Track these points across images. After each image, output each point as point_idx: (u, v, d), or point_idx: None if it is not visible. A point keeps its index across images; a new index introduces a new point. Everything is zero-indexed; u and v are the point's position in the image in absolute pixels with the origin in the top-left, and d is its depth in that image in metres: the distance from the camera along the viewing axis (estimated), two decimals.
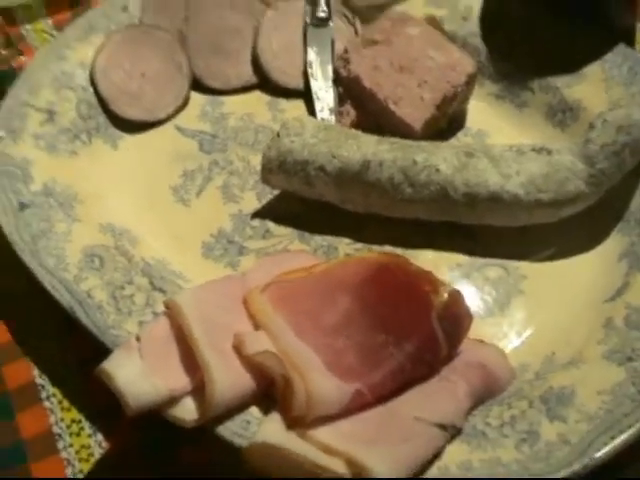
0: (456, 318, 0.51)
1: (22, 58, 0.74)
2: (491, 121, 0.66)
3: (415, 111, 0.63)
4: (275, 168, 0.60)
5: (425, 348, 0.50)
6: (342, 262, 0.57)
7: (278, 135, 0.60)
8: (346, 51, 0.67)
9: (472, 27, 0.69)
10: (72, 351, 0.57)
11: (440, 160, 0.58)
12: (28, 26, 0.78)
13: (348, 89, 0.66)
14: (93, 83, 0.68)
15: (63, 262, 0.57)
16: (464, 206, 0.57)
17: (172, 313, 0.52)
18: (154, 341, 0.51)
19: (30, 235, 0.58)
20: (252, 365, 0.50)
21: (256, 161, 0.65)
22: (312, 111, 0.67)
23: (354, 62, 0.66)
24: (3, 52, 0.73)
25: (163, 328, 0.51)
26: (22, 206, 0.60)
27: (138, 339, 0.50)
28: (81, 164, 0.65)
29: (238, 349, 0.50)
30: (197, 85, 0.70)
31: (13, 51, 0.74)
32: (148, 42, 0.70)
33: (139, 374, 0.48)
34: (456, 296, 0.51)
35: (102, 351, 0.52)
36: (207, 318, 0.51)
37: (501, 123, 0.66)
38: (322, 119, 0.66)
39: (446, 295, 0.50)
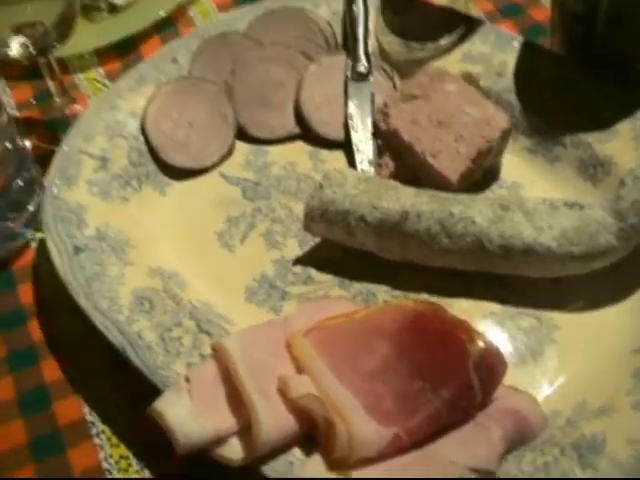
0: (491, 367, 0.53)
1: (75, 106, 0.78)
2: (525, 174, 0.68)
3: (452, 164, 0.65)
4: (317, 217, 0.63)
5: (461, 395, 0.52)
6: (381, 309, 0.59)
7: (321, 186, 0.63)
8: (386, 105, 0.70)
9: (506, 83, 0.71)
10: (121, 389, 0.60)
11: (476, 212, 0.60)
12: (81, 75, 0.82)
13: (387, 142, 0.69)
14: (144, 132, 0.72)
15: (115, 304, 0.60)
16: (499, 257, 0.60)
17: (219, 356, 0.54)
18: (202, 383, 0.53)
19: (84, 278, 0.61)
20: (296, 407, 0.52)
21: (298, 209, 0.68)
22: (352, 162, 0.70)
23: (393, 116, 0.69)
24: (57, 100, 0.77)
25: (211, 370, 0.54)
26: (77, 250, 0.63)
27: (187, 380, 0.53)
28: (132, 210, 0.68)
29: (282, 391, 0.53)
30: (242, 134, 0.73)
31: (67, 99, 0.78)
32: (196, 93, 0.73)
33: (189, 414, 0.51)
34: (492, 346, 0.53)
35: (150, 390, 0.55)
36: (253, 361, 0.54)
37: (534, 176, 0.68)
38: (362, 170, 0.69)
39: (482, 345, 0.53)
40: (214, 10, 0.87)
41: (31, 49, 0.69)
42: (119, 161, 0.70)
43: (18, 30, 0.68)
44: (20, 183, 0.67)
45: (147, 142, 0.72)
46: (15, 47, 0.69)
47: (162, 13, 0.84)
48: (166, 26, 0.85)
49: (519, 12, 0.83)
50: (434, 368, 0.53)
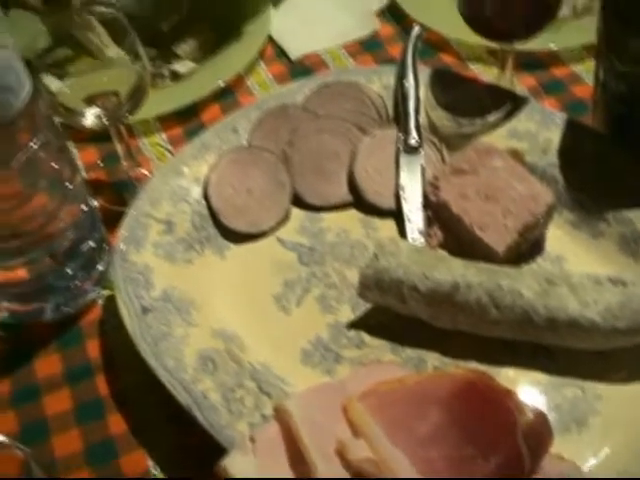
0: (539, 436, 0.56)
1: (140, 169, 0.83)
2: (568, 247, 0.72)
3: (499, 237, 0.69)
4: (372, 285, 0.66)
5: (510, 463, 0.55)
6: (431, 376, 0.62)
7: (376, 256, 0.66)
8: (436, 178, 0.74)
9: (551, 159, 0.75)
10: (185, 445, 0.63)
11: (523, 285, 0.63)
12: (145, 139, 0.87)
13: (437, 213, 0.73)
14: (206, 197, 0.76)
15: (181, 363, 0.64)
16: (545, 329, 0.63)
17: (281, 417, 0.58)
18: (266, 442, 0.57)
19: (152, 337, 0.65)
20: (354, 469, 0.55)
21: (351, 275, 0.71)
22: (403, 231, 0.74)
23: (443, 189, 0.73)
24: (124, 163, 0.82)
25: (274, 430, 0.57)
26: (145, 310, 0.67)
27: (252, 440, 0.56)
28: (195, 272, 0.72)
29: (341, 453, 0.56)
30: (298, 201, 0.77)
31: (132, 162, 0.82)
32: (255, 162, 0.78)
33: (254, 473, 0.54)
34: (540, 416, 0.56)
35: (214, 447, 0.59)
36: (312, 423, 0.57)
37: (578, 250, 0.71)
38: (412, 239, 0.72)
39: (531, 415, 0.55)
40: (270, 80, 0.92)
41: (104, 120, 0.74)
42: (183, 225, 0.74)
43: (92, 101, 0.74)
44: (92, 244, 0.72)
45: (209, 207, 0.76)
46: (90, 118, 0.74)
47: (221, 83, 0.89)
48: (225, 95, 0.90)
49: (562, 89, 0.87)
50: (484, 436, 0.56)
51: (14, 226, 0.65)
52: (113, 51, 0.74)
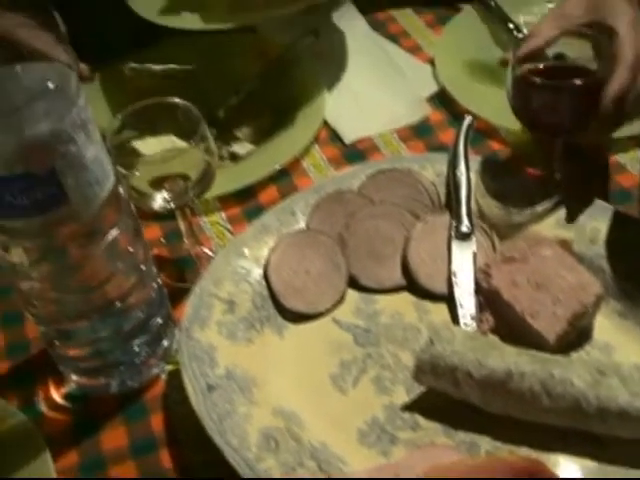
0: None
1: (201, 247, 0.87)
2: (616, 336, 0.74)
3: (549, 325, 0.72)
4: (427, 370, 0.69)
5: None
6: (485, 461, 0.65)
7: (431, 342, 0.69)
8: (487, 265, 0.77)
9: (598, 250, 0.78)
10: None
11: (575, 375, 0.66)
12: (205, 218, 0.92)
13: (488, 299, 0.76)
14: (266, 278, 0.80)
15: (245, 442, 0.67)
16: (595, 418, 0.65)
17: None
18: None
19: (217, 415, 0.68)
20: None
21: (405, 357, 0.74)
22: (455, 315, 0.77)
23: (494, 276, 0.76)
24: (186, 241, 0.86)
25: None
26: (210, 388, 0.70)
27: None
28: (255, 350, 0.75)
29: None
30: (353, 283, 0.80)
31: (194, 240, 0.86)
32: (313, 244, 0.82)
33: None
34: None
35: None
36: None
37: (625, 339, 0.74)
38: (464, 324, 0.75)
39: None
40: (325, 162, 0.96)
41: (171, 203, 0.79)
42: (245, 305, 0.78)
43: (160, 184, 0.78)
44: (159, 320, 0.75)
45: (269, 287, 0.80)
46: (158, 201, 0.78)
47: (277, 166, 0.94)
48: (281, 176, 0.94)
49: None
50: None
51: (90, 306, 0.68)
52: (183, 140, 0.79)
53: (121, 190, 0.67)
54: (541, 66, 0.80)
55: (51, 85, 0.58)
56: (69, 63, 0.60)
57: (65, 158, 0.59)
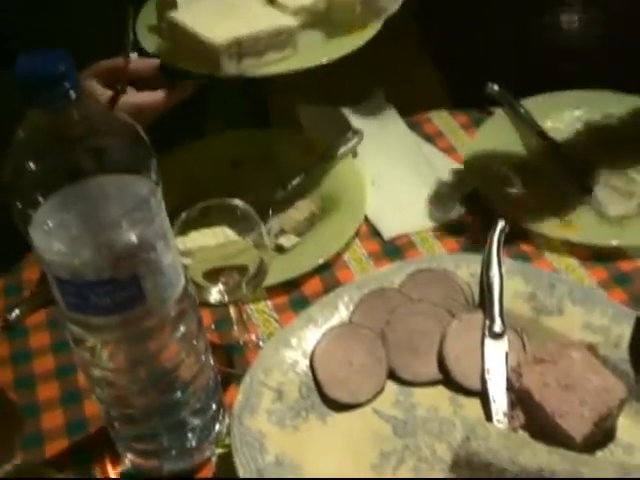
0: None
1: (249, 335, 0.94)
2: (638, 437, 0.79)
3: (577, 426, 0.77)
4: (463, 464, 0.75)
5: None
6: None
7: (468, 438, 0.75)
8: (519, 365, 0.83)
9: (622, 354, 0.84)
10: None
11: (602, 474, 0.71)
12: (252, 306, 0.98)
13: (519, 397, 0.82)
14: (312, 368, 0.86)
15: None
16: None
17: None
18: None
19: None
20: None
21: (441, 449, 0.80)
22: (487, 410, 0.82)
23: (525, 376, 0.81)
24: (235, 328, 0.92)
25: None
26: (259, 473, 0.76)
27: None
28: (301, 437, 0.81)
29: None
30: (392, 376, 0.86)
31: (242, 328, 0.93)
32: (356, 338, 0.88)
33: None
34: None
35: None
36: None
37: None
38: (497, 420, 0.81)
39: None
40: (365, 256, 1.03)
41: (225, 297, 0.85)
42: (292, 394, 0.84)
43: (214, 277, 0.85)
44: (214, 407, 0.81)
45: (314, 377, 0.85)
46: (214, 294, 0.85)
47: (321, 260, 1.00)
48: (324, 268, 1.01)
49: (629, 282, 0.96)
50: None
51: (154, 394, 0.74)
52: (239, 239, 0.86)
53: (190, 288, 0.74)
54: None
55: (139, 198, 0.65)
56: None
57: (146, 265, 0.66)
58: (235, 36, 0.97)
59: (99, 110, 0.65)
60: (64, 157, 0.64)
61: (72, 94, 0.59)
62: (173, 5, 1.04)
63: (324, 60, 0.99)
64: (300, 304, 0.96)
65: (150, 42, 1.04)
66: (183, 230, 0.84)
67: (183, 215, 0.85)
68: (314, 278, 1.00)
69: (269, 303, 0.98)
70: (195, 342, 0.75)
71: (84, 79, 0.98)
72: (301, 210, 1.07)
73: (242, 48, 0.98)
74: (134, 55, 1.03)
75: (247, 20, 1.00)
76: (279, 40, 0.99)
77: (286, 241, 1.04)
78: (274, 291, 0.99)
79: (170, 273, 0.69)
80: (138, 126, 0.67)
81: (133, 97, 1.00)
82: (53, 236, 0.65)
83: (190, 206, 0.85)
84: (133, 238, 0.65)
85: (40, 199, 0.64)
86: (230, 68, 0.98)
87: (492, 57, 1.33)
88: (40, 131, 0.63)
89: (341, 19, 1.04)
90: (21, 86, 0.58)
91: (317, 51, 1.02)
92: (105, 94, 0.98)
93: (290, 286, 0.99)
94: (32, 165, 0.64)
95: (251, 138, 1.20)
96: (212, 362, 0.81)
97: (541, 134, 1.14)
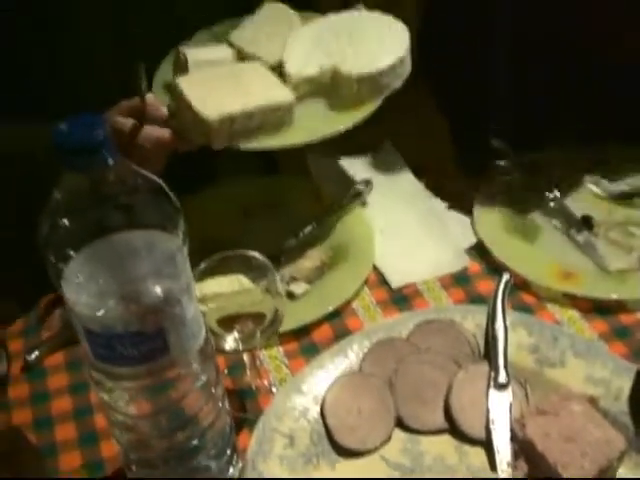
0: None
1: (261, 380, 0.97)
2: None
3: (578, 477, 0.80)
4: None
5: None
6: None
7: None
8: (522, 416, 0.86)
9: (622, 407, 0.87)
10: None
11: None
12: (264, 351, 1.01)
13: (522, 447, 0.85)
14: (322, 415, 0.89)
15: None
16: None
17: None
18: None
19: None
20: None
21: None
22: (492, 460, 0.85)
23: (529, 427, 0.84)
24: (248, 373, 0.96)
25: None
26: None
27: None
28: None
29: None
30: (400, 424, 0.89)
31: (255, 373, 0.96)
32: (365, 386, 0.91)
33: None
34: None
35: None
36: None
37: None
38: (501, 470, 0.84)
39: None
40: (373, 304, 1.06)
41: (240, 345, 0.88)
42: (303, 441, 0.87)
43: (229, 324, 0.88)
44: (228, 452, 0.84)
45: (324, 424, 0.89)
46: (229, 342, 0.88)
47: (330, 308, 1.04)
48: (333, 315, 1.04)
49: (629, 334, 0.99)
50: None
51: (173, 441, 0.77)
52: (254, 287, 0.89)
53: (210, 338, 0.77)
54: None
55: (166, 254, 0.69)
56: None
57: (171, 318, 0.70)
58: (228, 112, 0.98)
59: (131, 170, 0.68)
60: (96, 214, 0.68)
61: (110, 161, 0.63)
62: (185, 68, 1.08)
63: (318, 137, 1.01)
64: (310, 350, 0.99)
65: (163, 97, 1.07)
66: (200, 278, 0.88)
67: (202, 265, 0.88)
68: (324, 325, 1.04)
69: (280, 349, 1.02)
70: (214, 390, 0.78)
71: (110, 117, 1.01)
72: (312, 258, 1.10)
73: (235, 123, 0.99)
74: (150, 95, 1.05)
75: (245, 94, 1.01)
76: (275, 116, 1.00)
77: (297, 288, 1.07)
78: (285, 337, 1.02)
79: (193, 325, 0.73)
80: (166, 186, 0.71)
81: (153, 130, 1.03)
82: (83, 289, 0.69)
83: (203, 252, 0.88)
84: (160, 293, 0.68)
85: (71, 253, 0.68)
86: (222, 141, 1.00)
87: (494, 107, 1.37)
88: (76, 192, 0.66)
89: (343, 93, 1.05)
90: (61, 152, 0.62)
91: (314, 124, 1.03)
92: (127, 124, 1.01)
93: (301, 333, 1.03)
94: (66, 222, 0.68)
95: (262, 185, 1.24)
96: (228, 409, 0.84)
97: (542, 188, 1.18)
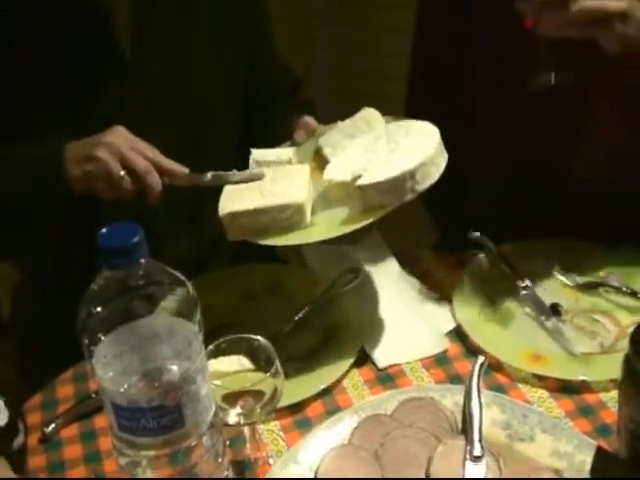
0: None
1: (259, 452, 1.06)
2: None
3: None
4: None
5: None
6: None
7: None
8: None
9: None
10: None
11: None
12: (262, 425, 1.11)
13: None
14: None
15: None
16: None
17: None
18: None
19: None
20: None
21: None
22: None
23: None
24: (248, 445, 1.05)
25: None
26: None
27: None
28: None
29: None
30: None
31: (254, 445, 1.05)
32: (355, 457, 1.01)
33: None
34: None
35: None
36: None
37: None
38: None
39: None
40: (361, 383, 1.16)
41: (242, 420, 0.98)
42: None
43: (231, 400, 0.98)
44: None
45: None
46: (232, 417, 0.98)
47: (322, 386, 1.14)
48: (325, 393, 1.15)
49: (592, 413, 1.10)
50: None
51: None
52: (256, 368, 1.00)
53: (219, 413, 0.88)
54: None
55: (185, 340, 0.80)
56: None
57: (188, 395, 0.80)
58: (237, 209, 1.10)
59: (158, 267, 0.79)
60: (124, 302, 0.79)
61: (142, 261, 0.75)
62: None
63: (319, 239, 1.13)
64: (304, 424, 1.09)
65: None
66: (208, 358, 0.98)
67: (211, 347, 0.99)
68: (316, 401, 1.14)
69: (277, 423, 1.11)
70: (220, 460, 0.88)
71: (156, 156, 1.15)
72: (305, 340, 1.21)
73: (244, 219, 1.10)
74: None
75: (266, 193, 1.12)
76: (285, 215, 1.10)
77: (291, 368, 1.17)
78: (281, 412, 1.12)
79: (205, 401, 0.83)
80: (187, 281, 0.82)
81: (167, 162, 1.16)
82: (110, 367, 0.80)
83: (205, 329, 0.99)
84: (179, 374, 0.79)
85: (101, 336, 0.79)
86: (234, 235, 1.12)
87: (475, 205, 1.50)
88: (109, 284, 0.78)
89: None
90: (102, 254, 0.74)
91: (322, 224, 1.14)
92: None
93: (295, 408, 1.13)
94: (99, 309, 0.79)
95: (263, 272, 1.35)
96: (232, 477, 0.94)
97: (515, 278, 1.30)
